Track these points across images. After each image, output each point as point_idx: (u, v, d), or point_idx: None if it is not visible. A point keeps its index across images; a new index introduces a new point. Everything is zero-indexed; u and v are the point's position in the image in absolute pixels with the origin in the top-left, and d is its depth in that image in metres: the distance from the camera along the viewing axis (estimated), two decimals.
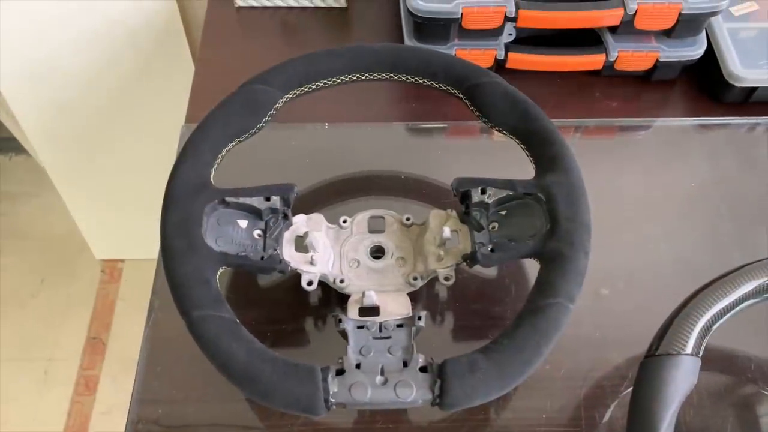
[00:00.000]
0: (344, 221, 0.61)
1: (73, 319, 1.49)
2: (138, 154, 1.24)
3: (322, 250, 0.58)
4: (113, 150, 1.25)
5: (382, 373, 0.48)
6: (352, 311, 0.56)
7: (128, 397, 0.58)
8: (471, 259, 0.56)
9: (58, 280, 1.54)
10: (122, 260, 1.57)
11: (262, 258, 0.54)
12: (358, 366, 0.49)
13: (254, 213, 0.56)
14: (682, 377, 0.48)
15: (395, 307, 0.56)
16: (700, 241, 0.71)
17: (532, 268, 0.60)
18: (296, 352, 0.63)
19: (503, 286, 0.66)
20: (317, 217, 0.60)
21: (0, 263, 1.54)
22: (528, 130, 0.57)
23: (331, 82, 0.62)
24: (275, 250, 0.55)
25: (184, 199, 0.53)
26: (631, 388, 0.62)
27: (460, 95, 0.60)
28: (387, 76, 0.62)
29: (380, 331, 0.51)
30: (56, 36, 1.05)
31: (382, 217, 0.61)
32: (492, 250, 0.55)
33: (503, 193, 0.56)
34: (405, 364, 0.48)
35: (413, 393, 0.47)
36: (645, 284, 0.68)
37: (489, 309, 0.64)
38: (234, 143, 0.58)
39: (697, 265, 0.69)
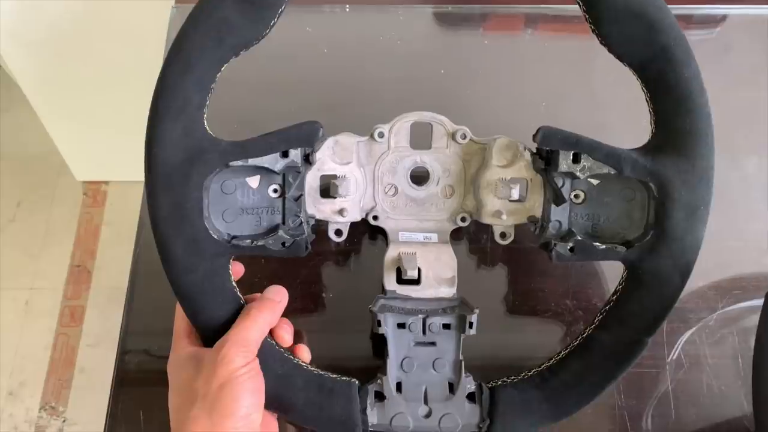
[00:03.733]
0: (380, 134, 0.47)
1: (54, 245, 1.37)
2: (121, 61, 1.10)
3: (354, 191, 0.47)
4: (93, 57, 1.12)
5: (426, 401, 0.43)
6: (389, 278, 0.47)
7: (116, 329, 0.52)
8: (540, 229, 0.44)
9: (36, 203, 1.42)
10: (106, 182, 1.44)
11: (284, 245, 0.42)
12: (398, 387, 0.44)
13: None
14: None
15: (439, 268, 0.47)
16: None
17: None
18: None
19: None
20: (345, 140, 0.46)
21: None
22: (662, 78, 0.41)
23: None
24: (297, 216, 0.43)
25: (175, 177, 0.40)
26: (715, 317, 0.54)
27: None
28: None
29: (424, 333, 0.44)
30: None
31: (430, 125, 0.47)
32: (571, 250, 0.42)
33: (604, 169, 0.41)
34: (451, 388, 0.43)
35: (458, 427, 0.43)
36: (734, 200, 0.58)
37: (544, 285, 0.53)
38: (228, 63, 0.42)
39: None
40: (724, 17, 0.67)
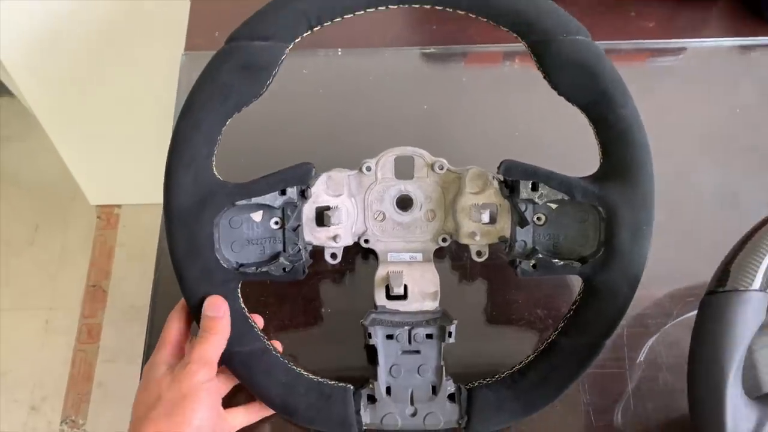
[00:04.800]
0: (368, 168, 0.53)
1: (70, 266, 1.44)
2: (132, 90, 1.16)
3: (345, 219, 0.53)
4: (105, 87, 1.17)
5: (412, 402, 0.49)
6: (379, 294, 0.53)
7: (132, 345, 0.56)
8: (509, 248, 0.50)
9: (52, 227, 1.49)
10: (118, 206, 1.51)
11: (285, 270, 0.49)
12: (388, 390, 0.49)
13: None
14: (751, 315, 0.43)
15: (424, 284, 0.53)
16: (747, 169, 0.66)
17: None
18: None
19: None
20: (337, 175, 0.52)
21: None
22: (603, 118, 0.47)
23: (351, 15, 0.49)
24: (296, 244, 0.49)
25: (189, 217, 0.46)
26: (672, 324, 0.60)
27: (527, 48, 0.48)
28: (428, 6, 0.49)
29: (409, 342, 0.50)
30: None
31: (412, 158, 0.53)
32: (534, 266, 0.49)
33: (558, 195, 0.48)
34: (434, 390, 0.49)
35: (441, 423, 0.49)
36: (688, 216, 0.64)
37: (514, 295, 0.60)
38: (232, 118, 0.48)
39: (745, 196, 0.65)
40: (683, 48, 0.74)
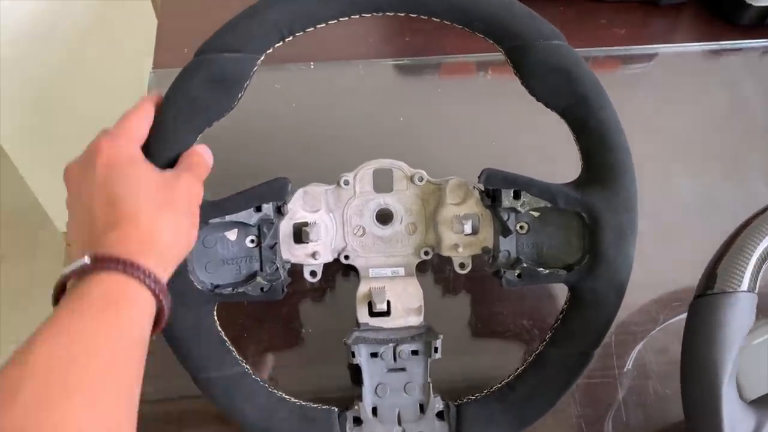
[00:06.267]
0: (345, 182, 0.51)
1: (39, 298, 1.39)
2: (99, 112, 1.13)
3: (324, 235, 0.51)
4: (72, 110, 1.14)
5: (399, 422, 0.48)
6: (362, 312, 0.51)
7: None
8: (492, 258, 0.49)
9: (19, 257, 1.44)
10: None
11: (262, 290, 0.47)
12: (374, 411, 0.48)
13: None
14: (741, 316, 0.43)
15: (407, 299, 0.51)
16: (723, 173, 0.67)
17: None
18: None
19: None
20: (314, 190, 0.51)
21: None
22: (583, 122, 0.46)
23: (324, 25, 0.47)
24: (273, 262, 0.47)
25: None
26: (659, 329, 0.59)
27: (503, 55, 0.47)
28: (402, 13, 0.47)
29: (395, 360, 0.48)
30: None
31: (390, 170, 0.52)
32: (519, 276, 0.47)
33: (541, 203, 0.47)
34: (422, 408, 0.48)
35: None
36: (667, 222, 0.64)
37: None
38: (203, 134, 0.46)
39: (722, 199, 0.65)
40: (654, 54, 0.74)
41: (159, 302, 0.37)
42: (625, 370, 0.57)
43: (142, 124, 0.44)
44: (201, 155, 0.45)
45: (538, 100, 0.47)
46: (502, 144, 0.67)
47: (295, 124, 0.67)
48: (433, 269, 0.60)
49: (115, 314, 0.34)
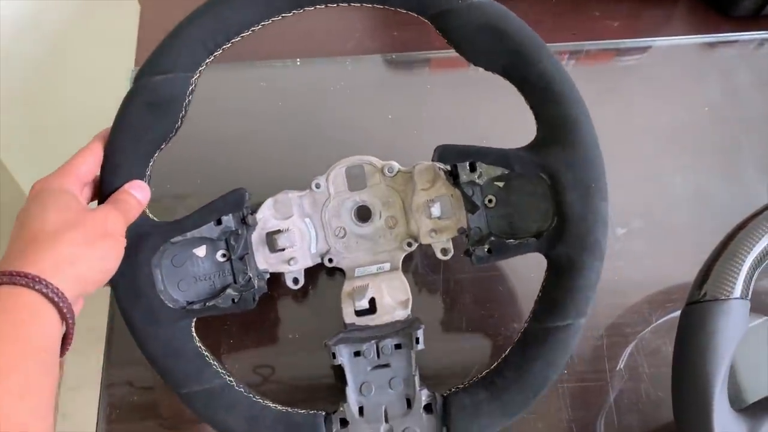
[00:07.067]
0: (317, 185, 0.50)
1: None
2: (83, 108, 1.12)
3: (300, 241, 0.50)
4: (56, 105, 1.13)
5: (386, 419, 0.47)
6: (347, 312, 0.50)
7: (96, 372, 0.55)
8: (467, 237, 0.47)
9: (4, 250, 1.43)
10: None
11: (234, 301, 0.47)
12: (360, 411, 0.47)
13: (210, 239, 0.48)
14: (734, 324, 0.42)
15: (392, 293, 0.50)
16: (718, 169, 0.66)
17: None
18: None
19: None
20: (284, 197, 0.50)
21: None
22: (523, 78, 0.44)
23: (250, 32, 0.47)
24: (245, 272, 0.47)
25: (125, 261, 0.44)
26: (650, 329, 0.58)
27: (431, 25, 0.46)
28: (322, 5, 0.47)
29: (378, 357, 0.47)
30: None
31: (361, 167, 0.50)
32: (489, 251, 0.46)
33: (498, 171, 0.45)
34: (408, 402, 0.47)
35: None
36: (661, 218, 0.63)
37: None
38: (154, 158, 0.47)
39: (716, 194, 0.64)
40: (648, 47, 0.73)
41: (65, 320, 0.38)
42: (617, 369, 0.56)
43: (87, 160, 0.46)
44: (128, 192, 0.46)
45: (476, 64, 0.45)
46: (494, 140, 0.65)
47: (281, 122, 0.65)
48: (420, 260, 0.59)
49: (12, 324, 0.36)
